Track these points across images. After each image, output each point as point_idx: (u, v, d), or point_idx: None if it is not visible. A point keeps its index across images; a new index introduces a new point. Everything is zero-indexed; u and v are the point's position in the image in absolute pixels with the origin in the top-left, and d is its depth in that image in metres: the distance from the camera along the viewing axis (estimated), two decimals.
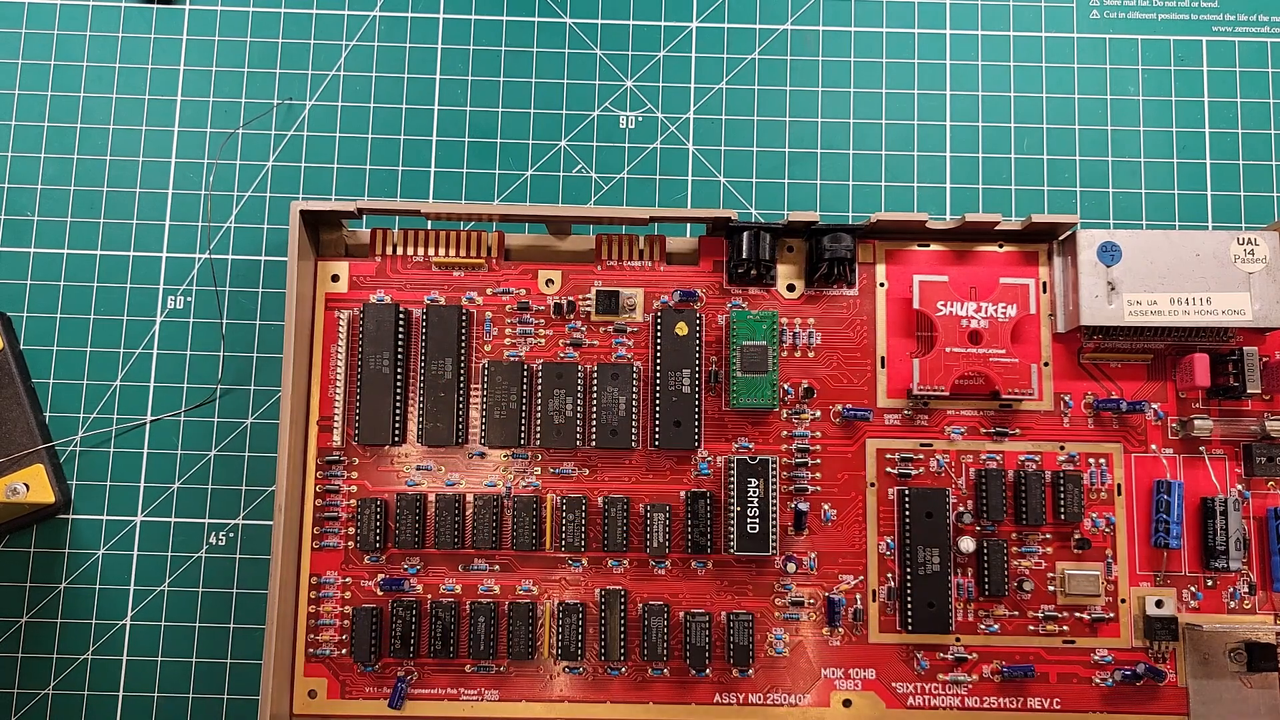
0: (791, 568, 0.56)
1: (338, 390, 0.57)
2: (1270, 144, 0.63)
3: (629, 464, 0.57)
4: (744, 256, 0.56)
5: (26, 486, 0.57)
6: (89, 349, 0.61)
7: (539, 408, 0.56)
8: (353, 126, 0.63)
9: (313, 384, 0.57)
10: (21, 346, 0.61)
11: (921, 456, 0.57)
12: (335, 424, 0.56)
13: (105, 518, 0.60)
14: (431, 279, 0.58)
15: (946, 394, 0.55)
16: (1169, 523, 0.55)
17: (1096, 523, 0.56)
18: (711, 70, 0.64)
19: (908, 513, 0.55)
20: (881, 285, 0.58)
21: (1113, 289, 0.54)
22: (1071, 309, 0.55)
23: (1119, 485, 0.56)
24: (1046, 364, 0.57)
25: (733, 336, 0.56)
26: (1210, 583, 0.56)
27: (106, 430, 0.60)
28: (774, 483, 0.55)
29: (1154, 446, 0.57)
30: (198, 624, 0.59)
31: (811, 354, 0.57)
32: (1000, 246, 0.58)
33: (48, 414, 0.60)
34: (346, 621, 0.56)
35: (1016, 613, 0.56)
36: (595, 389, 0.55)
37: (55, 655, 0.59)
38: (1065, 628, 0.56)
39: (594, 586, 0.56)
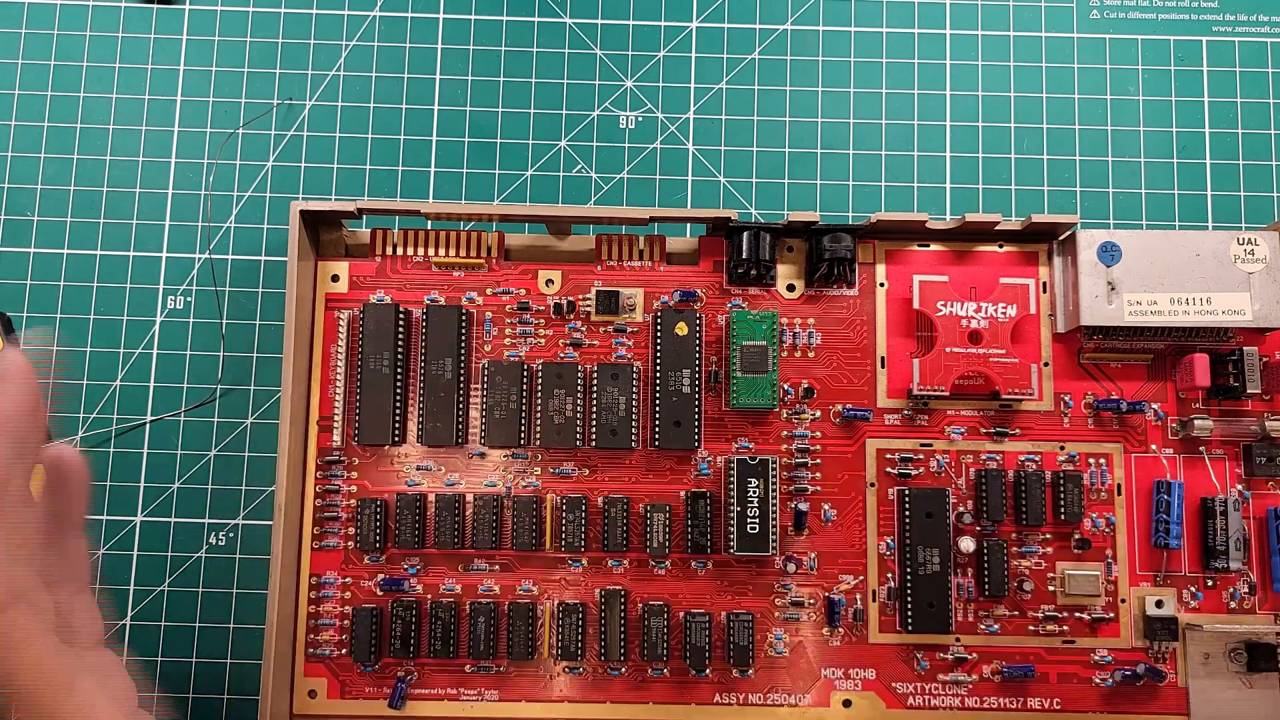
0: (791, 568, 0.56)
1: (338, 390, 0.57)
2: (1270, 144, 0.63)
3: (629, 464, 0.57)
4: (744, 256, 0.56)
5: None
6: (89, 349, 0.61)
7: (539, 408, 0.56)
8: (353, 126, 0.63)
9: (313, 384, 0.57)
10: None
11: (921, 456, 0.57)
12: (335, 424, 0.56)
13: (105, 518, 0.60)
14: (431, 279, 0.58)
15: (946, 394, 0.55)
16: (1169, 523, 0.55)
17: (1096, 523, 0.56)
18: (711, 70, 0.64)
19: (908, 513, 0.55)
20: (881, 285, 0.58)
21: (1113, 289, 0.54)
22: (1071, 309, 0.55)
23: (1119, 485, 0.56)
24: (1046, 364, 0.57)
25: (733, 336, 0.56)
26: (1210, 583, 0.56)
27: (106, 430, 0.60)
28: (774, 483, 0.55)
29: (1154, 446, 0.57)
30: (198, 624, 0.59)
31: (811, 354, 0.57)
32: (1000, 246, 0.58)
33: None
34: (346, 621, 0.56)
35: (1016, 613, 0.56)
36: (595, 389, 0.55)
37: None
38: (1065, 628, 0.56)
39: (594, 586, 0.56)
